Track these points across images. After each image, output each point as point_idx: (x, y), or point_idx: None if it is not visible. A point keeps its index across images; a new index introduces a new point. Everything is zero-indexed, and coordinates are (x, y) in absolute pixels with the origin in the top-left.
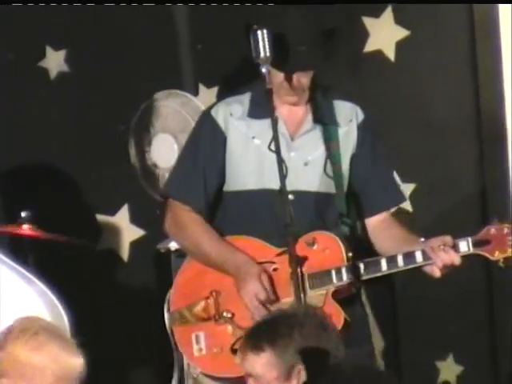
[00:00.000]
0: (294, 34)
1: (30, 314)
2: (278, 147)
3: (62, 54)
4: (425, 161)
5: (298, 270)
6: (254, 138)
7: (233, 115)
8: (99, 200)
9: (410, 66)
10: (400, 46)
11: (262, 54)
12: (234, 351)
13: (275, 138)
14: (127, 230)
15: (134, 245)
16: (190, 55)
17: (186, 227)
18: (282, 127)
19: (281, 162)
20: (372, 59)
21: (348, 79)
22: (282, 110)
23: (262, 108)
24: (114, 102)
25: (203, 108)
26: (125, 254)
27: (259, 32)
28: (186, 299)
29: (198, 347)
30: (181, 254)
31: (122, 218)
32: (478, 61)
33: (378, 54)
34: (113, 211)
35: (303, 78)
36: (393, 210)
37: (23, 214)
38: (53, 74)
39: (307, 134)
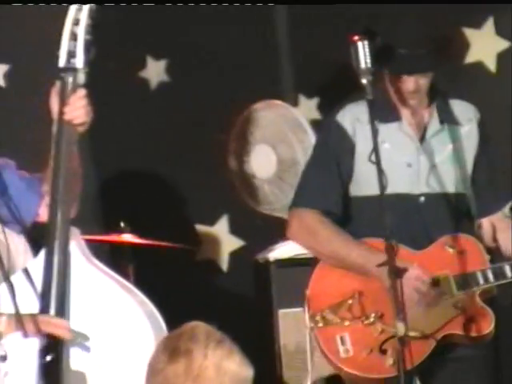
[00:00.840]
0: (410, 38)
1: (132, 323)
2: (379, 158)
3: (162, 63)
4: None
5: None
6: (383, 142)
7: (360, 121)
8: (199, 210)
9: (511, 77)
10: (501, 57)
11: (362, 66)
12: (383, 351)
13: (375, 149)
14: (226, 240)
15: (233, 255)
16: (291, 65)
17: (318, 232)
18: (408, 130)
19: (380, 172)
20: (472, 70)
21: (448, 91)
22: (406, 113)
23: (387, 111)
24: (213, 111)
25: (301, 119)
26: (224, 264)
27: (360, 44)
28: (326, 302)
29: (344, 348)
30: (281, 264)
31: (221, 229)
32: None
33: (479, 66)
34: (212, 221)
35: (422, 80)
36: (506, 210)
37: (123, 224)
38: (153, 84)
39: (435, 135)
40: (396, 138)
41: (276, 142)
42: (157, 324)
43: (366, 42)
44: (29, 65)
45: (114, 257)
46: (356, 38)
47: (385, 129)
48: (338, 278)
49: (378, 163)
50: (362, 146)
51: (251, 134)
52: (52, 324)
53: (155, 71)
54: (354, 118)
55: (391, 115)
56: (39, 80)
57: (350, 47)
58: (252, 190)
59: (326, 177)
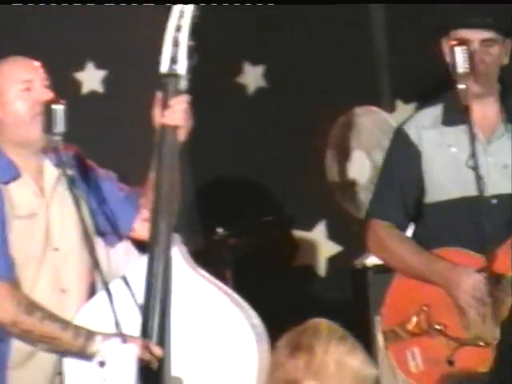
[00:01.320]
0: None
1: (232, 328)
2: (476, 163)
3: (260, 69)
4: None
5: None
6: (450, 146)
7: (425, 127)
8: (296, 215)
9: None
10: None
11: (459, 70)
12: (450, 363)
13: (473, 154)
14: (324, 245)
15: (331, 260)
16: (388, 70)
17: (389, 245)
18: (476, 132)
19: (479, 179)
20: None
21: None
22: (474, 115)
23: (456, 115)
24: (311, 116)
25: (396, 125)
26: (321, 269)
27: (457, 48)
28: (397, 316)
29: (414, 363)
30: (378, 270)
31: (319, 234)
32: None
33: None
34: (310, 226)
35: (488, 56)
36: None
37: (220, 230)
38: (251, 89)
39: (503, 136)
40: (463, 141)
41: (371, 148)
42: (256, 328)
43: (464, 47)
44: (127, 71)
45: (212, 262)
46: (453, 42)
47: (452, 132)
48: (410, 292)
49: (475, 168)
50: (430, 152)
51: (348, 140)
52: (147, 348)
53: (253, 77)
54: (419, 125)
55: (459, 118)
56: (138, 86)
57: (448, 51)
58: (349, 195)
59: (395, 187)
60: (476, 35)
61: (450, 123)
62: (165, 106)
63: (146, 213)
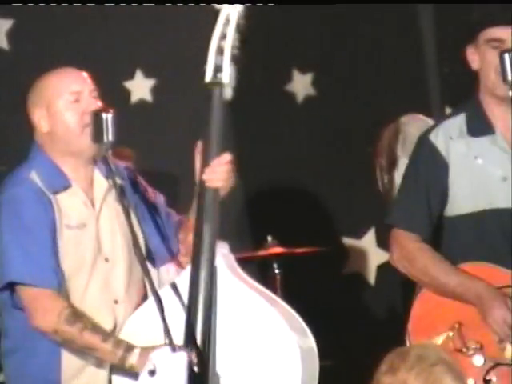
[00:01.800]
0: None
1: (276, 336)
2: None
3: (308, 77)
4: None
5: None
6: (476, 157)
7: (452, 137)
8: (346, 223)
9: None
10: None
11: (510, 78)
12: (486, 382)
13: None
14: (374, 253)
15: (381, 268)
16: (438, 76)
17: (417, 258)
18: (502, 143)
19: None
20: None
21: None
22: (500, 125)
23: (481, 125)
24: (360, 124)
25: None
26: (371, 277)
27: (506, 55)
28: (425, 333)
29: None
30: None
31: (368, 242)
32: None
33: None
34: (360, 234)
35: None
36: None
37: (270, 238)
38: (299, 97)
39: None
40: (490, 152)
41: None
42: (304, 337)
43: None
44: (176, 79)
45: (262, 270)
46: (504, 49)
47: (478, 143)
48: (439, 307)
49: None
50: (456, 164)
51: (395, 148)
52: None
53: (301, 85)
54: (446, 136)
55: (485, 129)
56: (187, 95)
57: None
58: None
59: (421, 198)
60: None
61: (475, 133)
62: (208, 120)
63: (182, 249)
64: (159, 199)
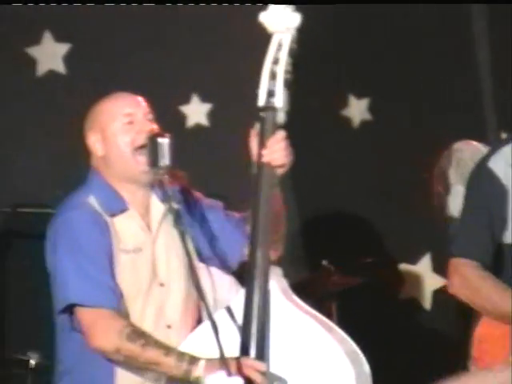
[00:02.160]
0: None
1: (331, 362)
2: None
3: (364, 102)
4: None
5: None
6: None
7: (510, 164)
8: (401, 248)
9: None
10: None
11: None
12: None
13: None
14: (429, 278)
15: (437, 294)
16: (493, 101)
17: (480, 288)
18: None
19: None
20: None
21: None
22: None
23: None
24: (417, 149)
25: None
26: (427, 302)
27: None
28: (491, 363)
29: None
30: None
31: (424, 267)
32: None
33: None
34: (415, 260)
35: None
36: None
37: (325, 262)
38: (356, 122)
39: None
40: None
41: None
42: (358, 362)
43: None
44: (232, 104)
45: (317, 295)
46: None
47: None
48: (502, 337)
49: None
50: None
51: (449, 174)
52: (251, 366)
53: (358, 109)
54: (506, 163)
55: None
56: (243, 119)
57: None
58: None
59: (480, 226)
60: None
61: None
62: (262, 140)
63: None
64: (216, 207)
